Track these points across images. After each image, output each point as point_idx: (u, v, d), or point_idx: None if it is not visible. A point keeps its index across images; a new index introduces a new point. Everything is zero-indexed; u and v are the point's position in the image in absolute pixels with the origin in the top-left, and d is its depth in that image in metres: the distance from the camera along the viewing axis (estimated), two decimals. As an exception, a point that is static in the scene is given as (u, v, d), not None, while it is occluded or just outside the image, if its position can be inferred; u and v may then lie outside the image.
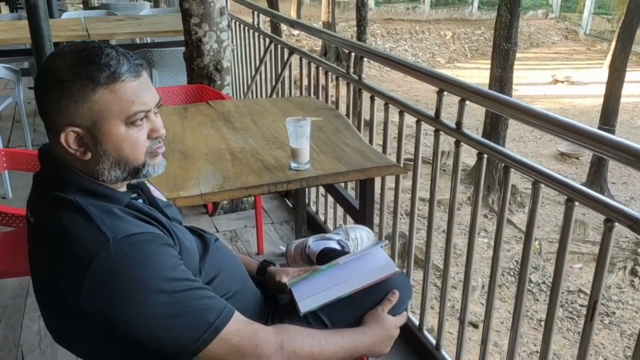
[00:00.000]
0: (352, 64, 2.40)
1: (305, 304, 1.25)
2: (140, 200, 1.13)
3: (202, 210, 3.20)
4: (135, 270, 0.93)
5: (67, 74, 0.95)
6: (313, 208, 3.06)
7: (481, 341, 1.82)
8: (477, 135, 1.76)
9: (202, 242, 1.26)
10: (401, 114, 2.08)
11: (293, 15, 16.24)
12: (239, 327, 1.02)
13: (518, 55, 9.84)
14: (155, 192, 1.27)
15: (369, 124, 2.34)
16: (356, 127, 2.37)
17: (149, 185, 1.25)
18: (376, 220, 2.42)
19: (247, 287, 1.30)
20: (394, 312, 1.31)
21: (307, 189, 3.08)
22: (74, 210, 0.97)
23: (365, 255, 1.37)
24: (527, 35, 20.24)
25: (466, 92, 1.75)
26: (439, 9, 19.89)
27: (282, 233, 3.01)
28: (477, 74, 14.28)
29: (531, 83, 15.62)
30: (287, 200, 3.31)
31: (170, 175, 1.73)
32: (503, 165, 1.62)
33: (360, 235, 1.85)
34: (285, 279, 1.37)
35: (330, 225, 2.92)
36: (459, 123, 1.79)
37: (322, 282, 1.30)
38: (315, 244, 1.74)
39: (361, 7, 10.18)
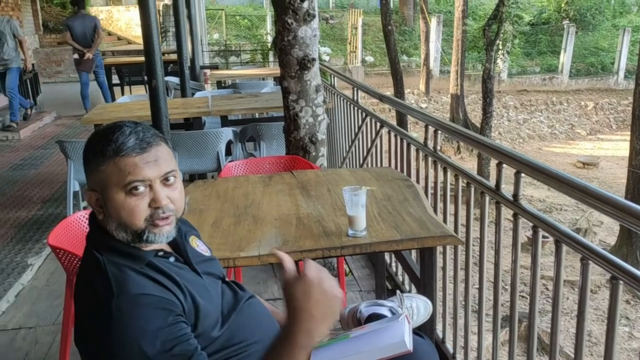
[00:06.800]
0: (429, 136, 2.46)
1: None
2: (172, 259, 1.27)
3: (295, 274, 3.34)
4: (128, 324, 1.09)
5: (89, 147, 1.18)
6: (400, 278, 3.07)
7: None
8: (533, 208, 1.72)
9: (235, 298, 1.38)
10: (468, 185, 2.10)
11: (422, 88, 16.54)
12: None
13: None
14: (201, 247, 1.42)
15: (443, 194, 2.36)
16: (432, 196, 2.41)
17: (195, 241, 1.40)
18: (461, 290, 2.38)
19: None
20: None
21: (389, 258, 3.10)
22: (97, 266, 1.16)
23: (381, 330, 1.40)
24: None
25: (521, 164, 1.74)
26: (579, 79, 19.04)
27: (367, 300, 3.04)
28: (623, 146, 13.25)
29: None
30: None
31: (237, 237, 1.90)
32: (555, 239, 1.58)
33: (417, 305, 1.84)
34: None
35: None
36: (515, 195, 1.77)
37: (338, 350, 1.35)
38: (366, 309, 1.77)
39: (487, 79, 10.15)
